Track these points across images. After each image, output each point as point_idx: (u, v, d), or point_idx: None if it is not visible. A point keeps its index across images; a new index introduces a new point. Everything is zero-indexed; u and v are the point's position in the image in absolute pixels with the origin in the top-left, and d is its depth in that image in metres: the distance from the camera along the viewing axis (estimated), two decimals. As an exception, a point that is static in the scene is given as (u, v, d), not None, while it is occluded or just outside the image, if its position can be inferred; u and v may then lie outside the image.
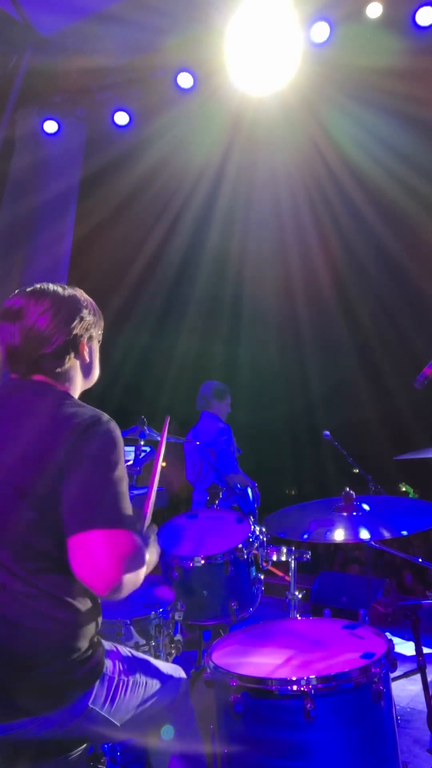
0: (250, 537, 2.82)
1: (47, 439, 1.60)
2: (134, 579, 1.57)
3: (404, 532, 2.22)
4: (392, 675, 2.03)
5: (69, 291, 1.83)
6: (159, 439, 1.84)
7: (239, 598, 2.77)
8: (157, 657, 2.40)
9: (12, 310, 1.76)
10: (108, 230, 7.14)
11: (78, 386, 1.85)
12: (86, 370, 1.86)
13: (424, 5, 4.50)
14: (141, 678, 1.82)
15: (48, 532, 1.58)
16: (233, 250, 8.49)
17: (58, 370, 1.76)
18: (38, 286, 1.82)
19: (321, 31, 4.70)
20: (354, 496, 2.43)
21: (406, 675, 3.56)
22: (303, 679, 1.84)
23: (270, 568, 2.85)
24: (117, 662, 1.77)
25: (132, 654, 1.88)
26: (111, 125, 5.98)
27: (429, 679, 2.25)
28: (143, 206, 7.33)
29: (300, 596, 2.64)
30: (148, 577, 2.88)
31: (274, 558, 2.78)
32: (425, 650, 2.31)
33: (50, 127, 6.19)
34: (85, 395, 1.90)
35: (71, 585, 1.60)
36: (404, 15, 4.58)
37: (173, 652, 2.54)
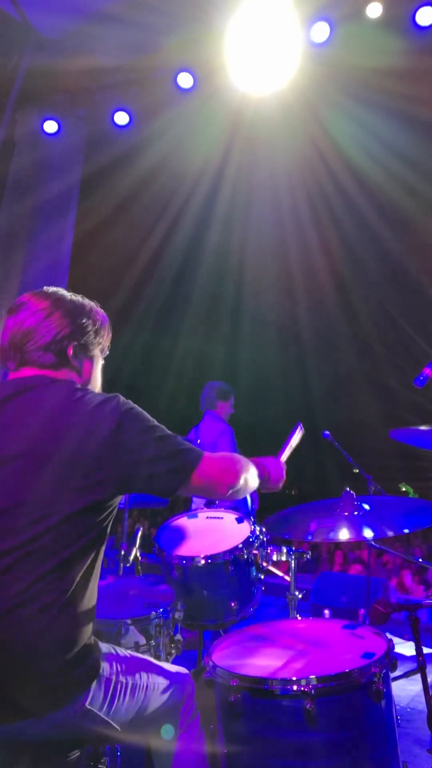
0: (250, 537, 2.82)
1: (78, 427, 1.65)
2: (241, 476, 1.82)
3: (406, 530, 2.22)
4: (392, 675, 2.04)
5: (77, 299, 1.87)
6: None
7: (239, 598, 2.77)
8: (157, 657, 2.40)
9: (15, 305, 1.83)
10: (108, 230, 7.14)
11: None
12: (81, 380, 1.86)
13: (424, 5, 4.50)
14: (142, 680, 1.81)
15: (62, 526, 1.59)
16: (233, 249, 8.49)
17: (47, 363, 1.79)
18: (49, 289, 1.88)
19: (321, 31, 4.70)
20: (354, 496, 2.44)
21: (406, 675, 3.55)
22: (303, 679, 1.84)
23: (270, 568, 2.85)
24: (114, 664, 1.77)
25: (132, 655, 1.88)
26: (111, 125, 5.98)
27: (429, 679, 2.25)
28: (143, 206, 7.33)
29: (300, 596, 2.64)
30: (148, 577, 2.88)
31: (274, 558, 2.78)
32: (425, 650, 2.31)
33: (50, 127, 6.19)
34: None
35: (68, 585, 1.60)
36: (404, 15, 4.58)
37: (173, 652, 2.54)
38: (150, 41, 5.33)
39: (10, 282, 6.03)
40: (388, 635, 2.10)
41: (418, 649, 2.18)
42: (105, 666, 1.72)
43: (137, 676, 1.80)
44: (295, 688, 1.83)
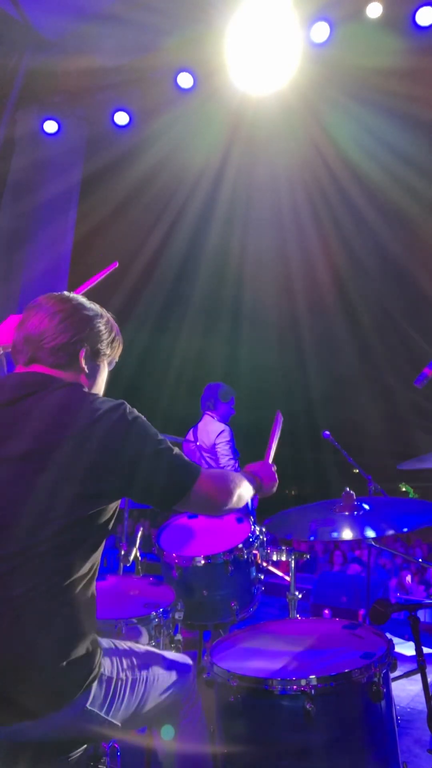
0: (250, 537, 2.82)
1: (73, 430, 1.65)
2: (237, 493, 1.86)
3: (405, 529, 2.22)
4: (392, 675, 2.04)
5: (95, 307, 1.89)
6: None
7: (239, 598, 2.77)
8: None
9: (34, 304, 1.85)
10: (108, 230, 7.13)
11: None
12: (87, 385, 1.87)
13: (424, 5, 4.50)
14: (142, 673, 1.81)
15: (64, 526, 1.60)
16: (233, 249, 8.49)
17: (57, 363, 1.79)
18: (69, 293, 1.90)
19: (321, 31, 4.70)
20: (354, 496, 2.44)
21: (406, 675, 3.55)
22: (303, 679, 1.84)
23: (270, 568, 2.85)
24: (115, 660, 1.77)
25: (131, 648, 1.87)
26: (111, 125, 5.98)
27: (429, 679, 2.25)
28: (143, 206, 7.33)
29: (300, 596, 2.64)
30: (148, 577, 2.88)
31: (274, 558, 2.79)
32: (425, 650, 2.30)
33: (50, 127, 6.19)
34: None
35: (68, 588, 1.60)
36: (404, 15, 4.58)
37: (173, 652, 2.54)
38: (150, 41, 5.32)
39: (12, 282, 6.02)
40: (388, 635, 2.10)
41: (418, 649, 2.18)
42: (106, 664, 1.72)
43: (137, 670, 1.80)
44: (295, 688, 1.83)
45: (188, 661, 2.00)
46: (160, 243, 8.09)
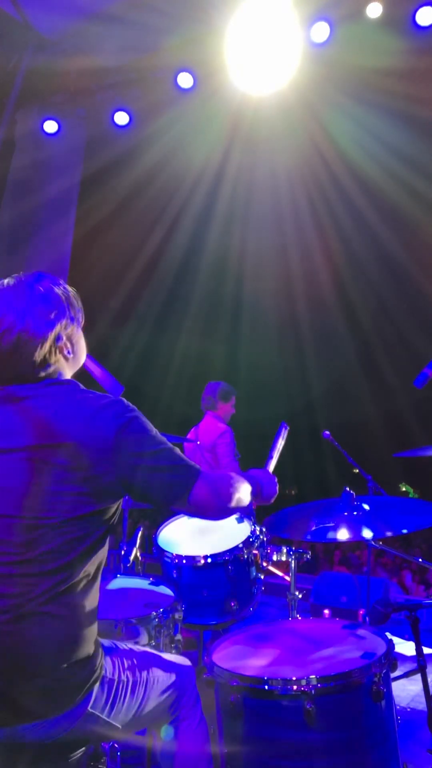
0: (250, 537, 2.82)
1: (79, 425, 1.62)
2: (235, 497, 1.81)
3: (404, 531, 2.22)
4: (392, 675, 2.04)
5: (44, 288, 1.74)
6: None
7: (239, 598, 2.77)
8: (157, 657, 2.40)
9: None
10: (108, 230, 7.14)
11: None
12: (74, 364, 1.84)
13: (424, 5, 4.50)
14: (143, 675, 1.81)
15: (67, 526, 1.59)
16: (233, 249, 8.49)
17: (42, 374, 1.73)
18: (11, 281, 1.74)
19: (321, 31, 4.69)
20: (354, 496, 2.43)
21: (406, 675, 3.55)
22: (303, 679, 1.84)
23: (270, 568, 2.85)
24: (116, 661, 1.76)
25: (131, 649, 1.87)
26: (111, 125, 5.98)
27: (429, 679, 2.25)
28: (143, 206, 7.33)
29: (300, 596, 2.64)
30: (148, 577, 2.87)
31: (274, 558, 2.78)
32: (425, 650, 2.30)
33: (50, 127, 6.19)
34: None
35: (69, 589, 1.60)
36: (404, 15, 4.58)
37: (173, 652, 2.54)
38: (150, 41, 5.32)
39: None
40: (388, 635, 2.10)
41: (418, 649, 2.18)
42: (107, 666, 1.71)
43: (137, 672, 1.80)
44: (295, 688, 1.83)
45: (187, 662, 2.00)
46: (160, 243, 8.09)
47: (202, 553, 2.75)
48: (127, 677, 1.75)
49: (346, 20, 4.69)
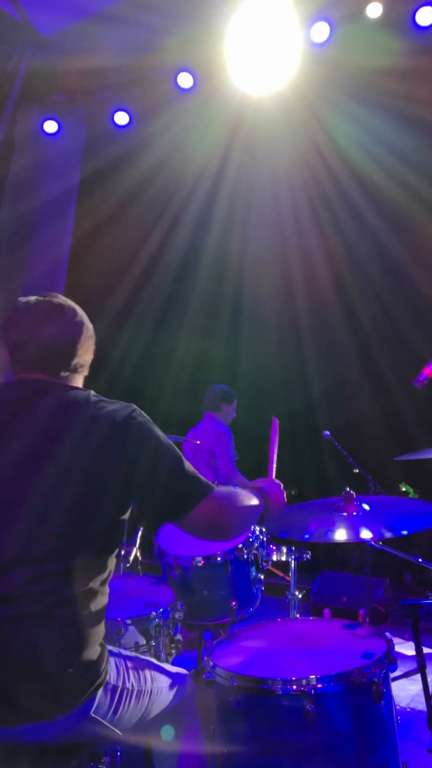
0: (250, 537, 2.82)
1: (93, 437, 1.64)
2: (245, 518, 1.79)
3: (404, 532, 2.22)
4: (392, 675, 2.04)
5: (79, 311, 1.89)
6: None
7: (239, 598, 2.78)
8: (157, 657, 2.40)
9: (23, 306, 1.81)
10: (108, 230, 7.13)
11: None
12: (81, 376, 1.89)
13: (424, 5, 4.49)
14: (147, 685, 1.81)
15: (74, 532, 1.59)
16: (233, 250, 8.48)
17: (58, 368, 1.80)
18: (55, 296, 1.88)
19: (321, 31, 4.69)
20: (354, 496, 2.43)
21: (406, 675, 3.55)
22: (303, 679, 1.84)
23: (270, 568, 2.85)
24: (121, 669, 1.76)
25: (136, 657, 1.87)
26: (111, 125, 5.98)
27: (429, 679, 2.25)
28: (143, 206, 7.32)
29: (300, 596, 2.64)
30: (148, 577, 2.88)
31: (274, 558, 2.78)
32: (425, 650, 2.30)
33: (50, 127, 6.18)
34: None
35: (74, 592, 1.59)
36: (404, 15, 4.57)
37: (173, 652, 2.54)
38: (150, 41, 5.32)
39: (13, 282, 6.02)
40: (388, 635, 2.10)
41: (418, 649, 2.18)
42: (112, 672, 1.71)
43: (142, 681, 1.79)
44: (295, 688, 1.83)
45: (184, 673, 2.01)
46: (160, 243, 8.08)
47: (201, 554, 2.75)
48: (132, 686, 1.75)
49: (346, 20, 4.69)
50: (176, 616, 2.58)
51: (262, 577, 2.92)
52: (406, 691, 3.57)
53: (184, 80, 5.38)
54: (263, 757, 1.88)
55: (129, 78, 5.78)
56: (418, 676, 2.34)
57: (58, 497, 1.59)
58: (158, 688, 1.84)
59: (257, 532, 2.86)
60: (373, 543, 2.78)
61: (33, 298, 1.83)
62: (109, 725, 1.67)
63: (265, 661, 2.05)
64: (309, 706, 1.80)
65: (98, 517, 1.63)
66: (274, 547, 2.79)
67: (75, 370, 1.82)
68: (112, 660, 1.73)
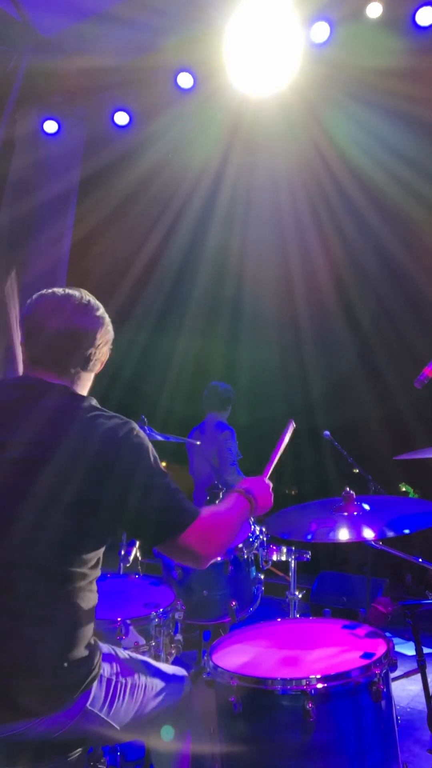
0: (250, 537, 2.83)
1: (83, 445, 1.63)
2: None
3: (406, 531, 2.22)
4: (392, 675, 2.04)
5: (98, 305, 1.89)
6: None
7: (239, 598, 2.78)
8: (157, 657, 2.40)
9: (40, 299, 1.82)
10: (108, 230, 7.13)
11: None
12: (79, 386, 1.87)
13: (424, 5, 4.49)
14: (141, 680, 1.82)
15: (65, 537, 1.59)
16: (233, 250, 8.48)
17: (65, 366, 1.79)
18: (78, 292, 1.87)
19: (321, 31, 4.69)
20: (354, 496, 2.43)
21: (406, 675, 3.55)
22: (303, 679, 1.84)
23: (270, 568, 2.85)
24: (114, 664, 1.78)
25: (130, 656, 1.89)
26: (111, 125, 5.98)
27: (429, 679, 2.25)
28: (143, 206, 7.32)
29: (300, 596, 2.64)
30: (148, 578, 2.88)
31: (274, 558, 2.79)
32: (425, 650, 2.30)
33: (50, 127, 6.18)
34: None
35: (67, 589, 1.60)
36: (404, 15, 4.57)
37: (173, 652, 2.54)
38: (150, 41, 5.32)
39: (13, 282, 6.02)
40: (388, 635, 2.10)
41: (418, 649, 2.18)
42: (105, 667, 1.73)
43: (136, 676, 1.81)
44: (295, 688, 1.84)
45: (182, 672, 2.01)
46: (159, 243, 8.08)
47: (202, 553, 2.75)
48: (126, 680, 1.77)
49: (346, 20, 4.69)
50: (176, 616, 2.58)
51: (262, 577, 2.92)
52: (406, 691, 3.57)
53: (184, 80, 5.38)
54: (263, 756, 1.88)
55: (129, 78, 5.77)
56: (418, 676, 2.34)
57: (52, 500, 1.59)
58: (153, 685, 1.85)
59: (257, 532, 2.86)
60: (373, 543, 2.78)
61: (59, 289, 1.84)
62: (105, 718, 1.69)
63: (265, 661, 2.05)
64: (309, 706, 1.80)
65: (91, 520, 1.63)
66: (274, 547, 2.80)
67: (86, 367, 1.81)
68: (105, 657, 1.75)
